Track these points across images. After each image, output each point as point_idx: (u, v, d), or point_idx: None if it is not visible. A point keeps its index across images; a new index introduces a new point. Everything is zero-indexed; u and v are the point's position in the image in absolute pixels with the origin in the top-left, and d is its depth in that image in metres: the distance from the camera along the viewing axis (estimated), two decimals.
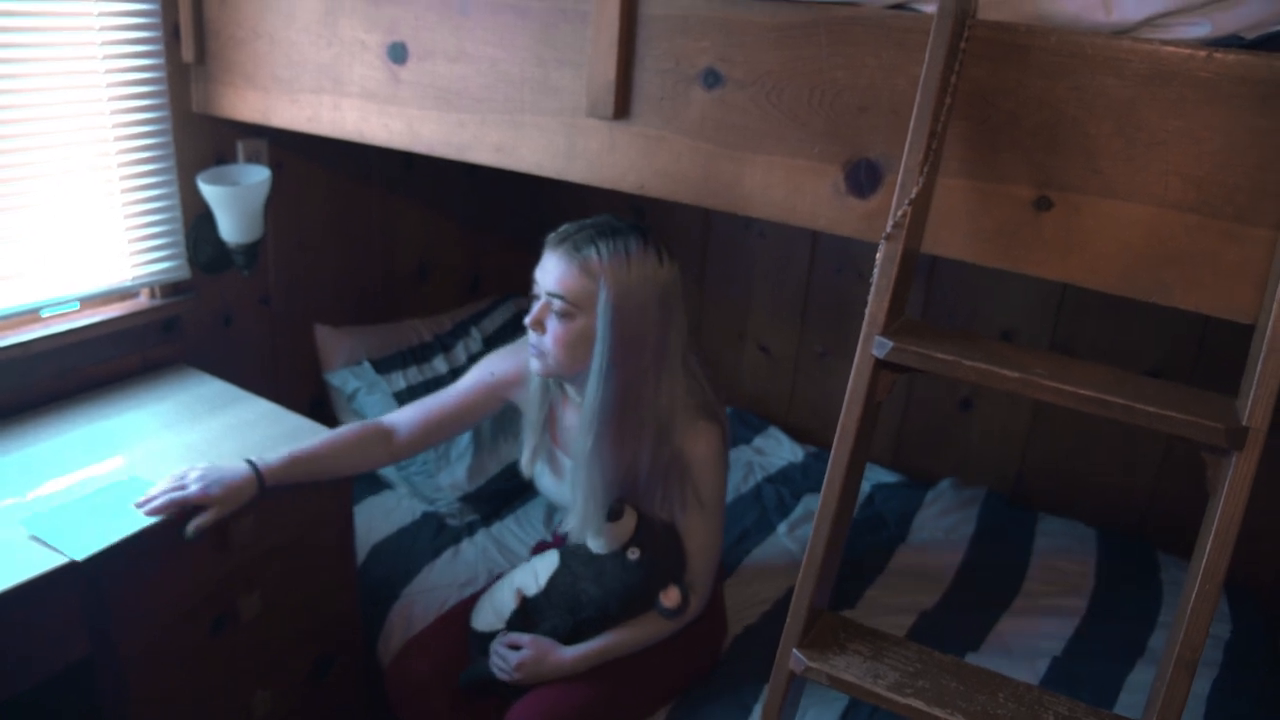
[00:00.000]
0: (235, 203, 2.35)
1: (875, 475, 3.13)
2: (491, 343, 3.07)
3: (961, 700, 1.41)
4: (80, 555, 1.70)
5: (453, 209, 3.30)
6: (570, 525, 2.02)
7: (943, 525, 2.88)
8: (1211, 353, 2.69)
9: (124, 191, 2.28)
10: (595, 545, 2.00)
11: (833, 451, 1.44)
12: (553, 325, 1.88)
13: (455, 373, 2.90)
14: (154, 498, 1.81)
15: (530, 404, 2.09)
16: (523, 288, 3.46)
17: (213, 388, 2.38)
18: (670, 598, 1.94)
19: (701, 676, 2.16)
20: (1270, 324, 1.26)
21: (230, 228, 2.39)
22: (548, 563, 2.07)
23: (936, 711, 1.38)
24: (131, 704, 1.88)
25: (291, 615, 2.17)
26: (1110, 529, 2.92)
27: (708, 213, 3.36)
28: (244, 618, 2.05)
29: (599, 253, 1.82)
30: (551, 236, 1.91)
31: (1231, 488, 1.25)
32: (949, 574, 2.66)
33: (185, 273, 2.45)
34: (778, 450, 3.21)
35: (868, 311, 1.41)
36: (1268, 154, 1.32)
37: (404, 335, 2.97)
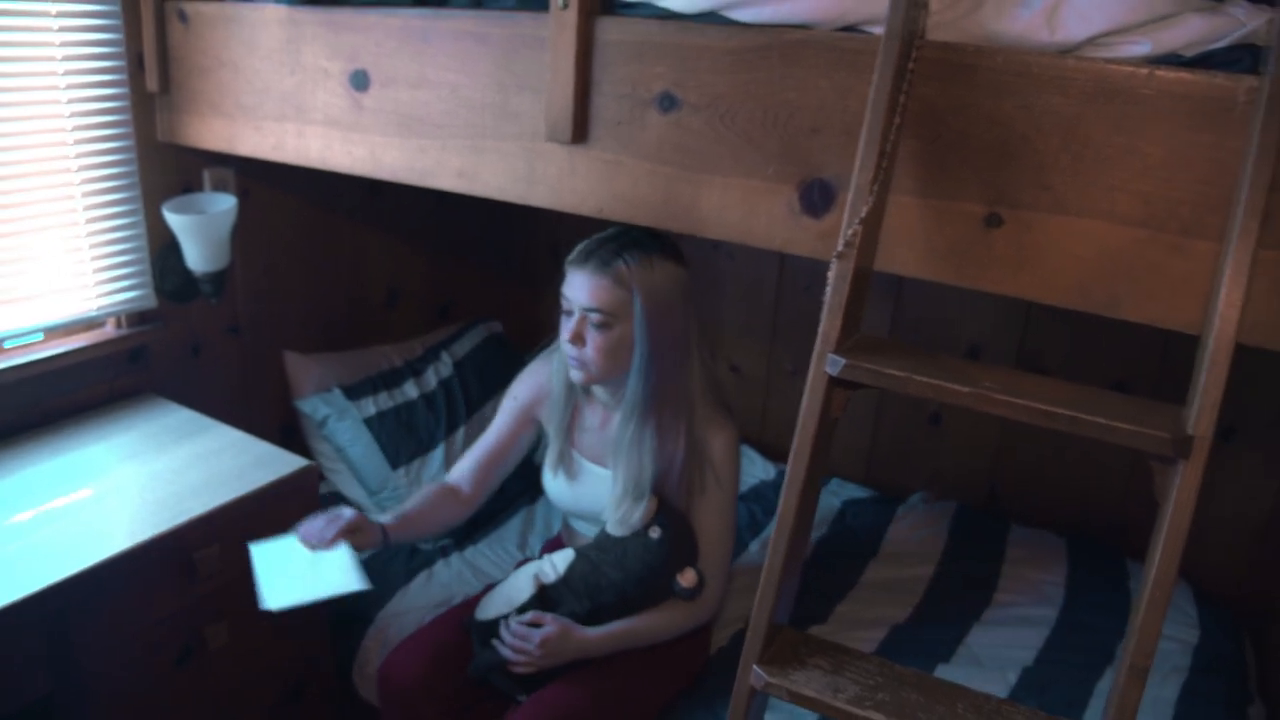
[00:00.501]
0: (201, 231, 2.35)
1: (847, 491, 3.15)
2: (462, 367, 3.07)
3: (921, 712, 1.42)
4: (364, 585, 1.81)
5: (421, 236, 3.30)
6: (612, 504, 2.09)
7: (914, 539, 2.89)
8: (1174, 365, 2.72)
9: (89, 221, 2.28)
10: (619, 528, 2.05)
11: (789, 469, 1.46)
12: (592, 336, 1.98)
13: (426, 398, 2.91)
14: (321, 533, 1.90)
15: (554, 412, 2.20)
16: (493, 312, 3.51)
17: (180, 417, 2.38)
18: (687, 578, 2.02)
19: (689, 685, 2.18)
20: (1213, 334, 1.28)
21: (196, 256, 2.39)
22: (564, 555, 2.11)
23: None
24: None
25: (260, 644, 2.17)
26: (1081, 539, 2.94)
27: (678, 237, 3.36)
28: (211, 647, 2.05)
29: (626, 263, 1.94)
30: (574, 256, 2.00)
31: (1179, 496, 1.27)
32: (921, 587, 2.67)
33: (152, 302, 2.45)
34: (750, 469, 3.21)
35: (821, 329, 1.42)
36: (1209, 169, 1.35)
37: (374, 361, 2.97)
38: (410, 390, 2.90)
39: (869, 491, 3.16)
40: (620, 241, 1.97)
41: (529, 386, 2.26)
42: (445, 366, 3.05)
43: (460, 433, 2.89)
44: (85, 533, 1.89)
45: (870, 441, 3.25)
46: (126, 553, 1.84)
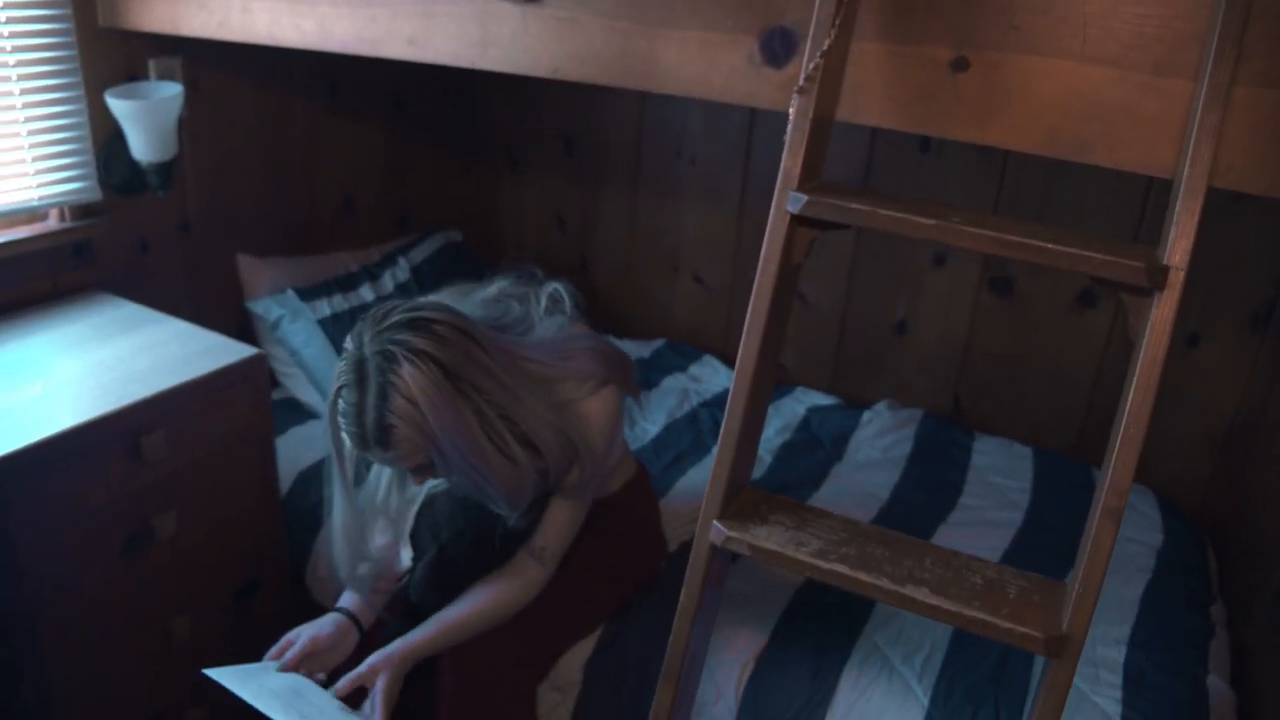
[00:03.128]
0: (145, 117, 2.27)
1: (811, 399, 3.11)
2: (420, 272, 3.01)
3: (888, 565, 1.38)
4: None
5: (379, 142, 3.22)
6: None
7: (880, 445, 2.86)
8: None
9: (25, 107, 2.19)
10: None
11: (748, 317, 1.41)
12: (430, 471, 1.78)
13: (382, 300, 2.84)
14: (285, 659, 1.78)
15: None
16: (452, 221, 3.43)
17: (126, 310, 2.31)
18: None
19: (648, 585, 2.14)
20: (1187, 167, 1.24)
21: (141, 145, 2.31)
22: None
23: (861, 575, 1.35)
24: (40, 632, 1.83)
25: (212, 536, 2.11)
26: (1046, 448, 2.92)
27: (638, 144, 3.31)
28: (160, 536, 1.99)
29: (395, 425, 1.62)
30: (351, 441, 1.70)
31: (1154, 330, 1.23)
32: (886, 492, 2.64)
33: (96, 194, 2.36)
34: (714, 377, 3.17)
35: (781, 169, 1.36)
36: (1184, 3, 1.29)
37: (330, 267, 2.90)
38: (366, 294, 2.84)
39: (834, 399, 3.12)
40: (372, 401, 1.62)
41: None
42: (402, 271, 2.99)
43: None
44: (23, 418, 1.82)
45: (834, 351, 3.21)
46: (68, 432, 1.79)
